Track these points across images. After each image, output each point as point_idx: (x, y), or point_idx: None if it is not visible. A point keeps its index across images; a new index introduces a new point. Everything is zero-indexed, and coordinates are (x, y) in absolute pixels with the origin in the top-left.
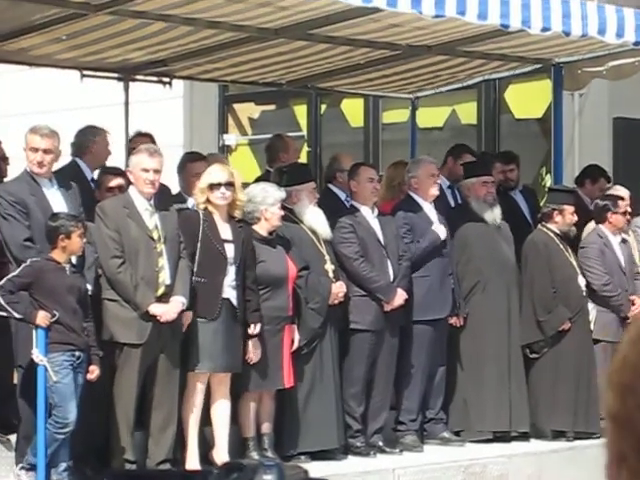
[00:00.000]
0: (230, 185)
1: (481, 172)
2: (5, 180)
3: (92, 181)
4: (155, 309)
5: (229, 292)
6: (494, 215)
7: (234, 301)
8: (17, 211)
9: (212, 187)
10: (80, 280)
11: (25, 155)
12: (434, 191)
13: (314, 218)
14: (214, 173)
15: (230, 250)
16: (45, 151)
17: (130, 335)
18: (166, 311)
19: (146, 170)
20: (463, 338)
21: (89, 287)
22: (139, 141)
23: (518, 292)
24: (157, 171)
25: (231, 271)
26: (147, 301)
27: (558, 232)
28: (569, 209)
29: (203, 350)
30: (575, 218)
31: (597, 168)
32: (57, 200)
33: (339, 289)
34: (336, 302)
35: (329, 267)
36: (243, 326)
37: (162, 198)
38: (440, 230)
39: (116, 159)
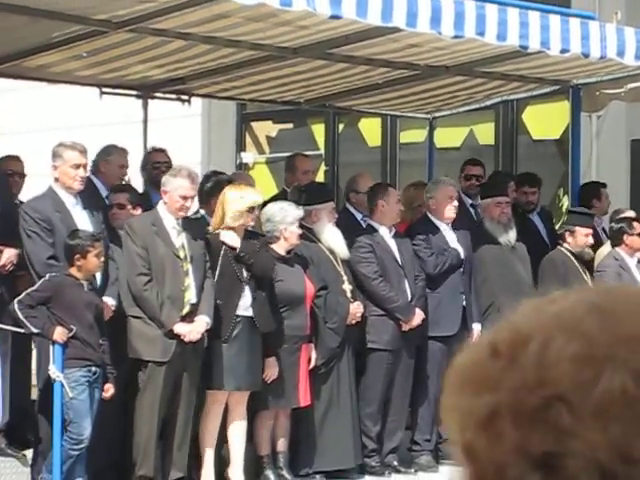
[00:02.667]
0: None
1: (495, 193)
2: (19, 196)
3: (107, 198)
4: (180, 329)
5: (249, 311)
6: (508, 236)
7: (254, 319)
8: (42, 229)
9: (249, 210)
10: (97, 297)
11: (60, 171)
12: (451, 213)
13: (332, 238)
14: (253, 196)
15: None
16: (84, 167)
17: (154, 353)
18: (190, 330)
19: (185, 197)
20: None
21: (113, 303)
22: (156, 157)
23: None
24: (193, 198)
25: (247, 291)
26: (172, 320)
27: (574, 252)
28: (581, 231)
29: (225, 369)
30: (590, 240)
31: (593, 184)
32: (81, 217)
33: (357, 309)
34: (353, 322)
35: (347, 287)
36: (262, 344)
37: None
38: (459, 249)
39: (134, 176)
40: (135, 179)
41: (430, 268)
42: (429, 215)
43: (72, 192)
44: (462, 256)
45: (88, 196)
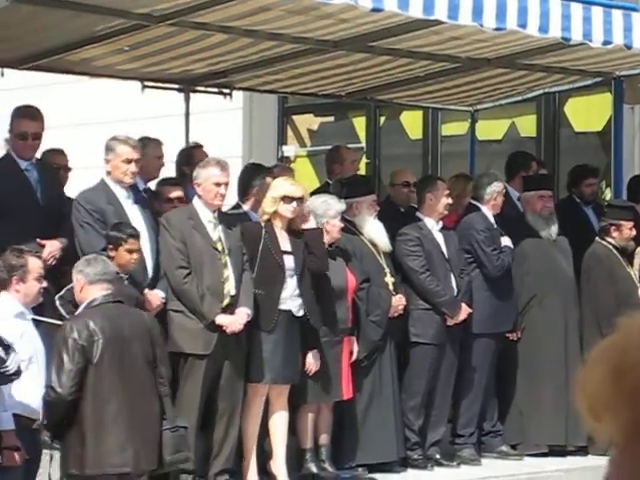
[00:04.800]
0: (301, 200)
1: (539, 186)
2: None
3: (145, 191)
4: (221, 320)
5: (289, 303)
6: (550, 230)
7: (294, 312)
8: (95, 220)
9: (284, 199)
10: (136, 291)
11: (112, 165)
12: (498, 209)
13: (374, 230)
14: (289, 186)
15: (289, 261)
16: (136, 161)
17: (196, 346)
18: (232, 322)
19: (218, 184)
20: (520, 351)
21: (163, 295)
22: (197, 153)
23: (577, 305)
24: (227, 184)
25: (291, 282)
26: (213, 312)
27: (617, 246)
28: (627, 224)
29: (264, 362)
30: (633, 233)
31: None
32: (132, 211)
33: (399, 302)
34: (396, 315)
35: (389, 280)
36: (302, 337)
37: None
38: (508, 242)
39: (171, 169)
40: (170, 172)
41: (498, 267)
42: (479, 206)
43: (123, 185)
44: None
45: (136, 190)
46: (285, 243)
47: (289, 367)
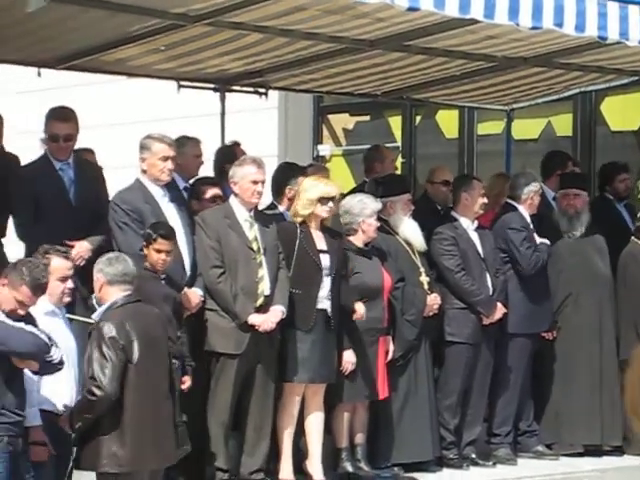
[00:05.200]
0: (335, 199)
1: (568, 185)
2: None
3: (184, 190)
4: (254, 319)
5: (325, 303)
6: (572, 228)
7: (329, 312)
8: (132, 220)
9: (321, 200)
10: (173, 290)
11: (148, 163)
12: (534, 209)
13: (409, 230)
14: (324, 187)
15: (325, 260)
16: (172, 159)
17: (228, 345)
18: (265, 320)
19: (255, 182)
20: (554, 350)
21: (201, 294)
22: (237, 151)
23: (612, 305)
24: (263, 182)
25: (327, 282)
26: (246, 311)
27: None
28: None
29: (300, 361)
30: None
31: None
32: (169, 209)
33: (434, 301)
34: (431, 314)
35: (424, 279)
36: (338, 336)
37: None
38: (544, 240)
39: (211, 168)
40: (208, 171)
41: (531, 264)
42: (516, 206)
43: (160, 184)
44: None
45: (172, 188)
46: (320, 242)
47: (325, 366)
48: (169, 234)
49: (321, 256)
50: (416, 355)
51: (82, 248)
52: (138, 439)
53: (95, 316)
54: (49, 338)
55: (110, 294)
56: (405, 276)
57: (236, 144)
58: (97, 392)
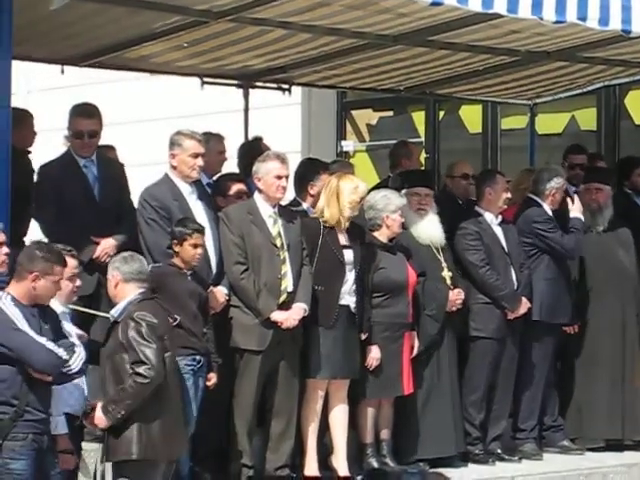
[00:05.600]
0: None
1: (588, 179)
2: None
3: (207, 186)
4: (277, 316)
5: (348, 299)
6: (595, 223)
7: (352, 307)
8: (161, 217)
9: (351, 202)
10: (200, 286)
11: (179, 159)
12: (557, 205)
13: (430, 224)
14: (365, 185)
15: (349, 256)
16: (202, 156)
17: (251, 342)
18: (287, 317)
19: (279, 177)
20: (577, 345)
21: (226, 292)
22: (263, 146)
23: (636, 299)
24: (287, 177)
25: (350, 277)
26: (269, 308)
27: None
28: None
29: (323, 357)
30: None
31: None
32: (197, 206)
33: (457, 296)
34: (454, 309)
35: (446, 274)
36: (361, 332)
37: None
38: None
39: (234, 165)
40: (231, 167)
41: (571, 244)
42: (539, 201)
43: (189, 181)
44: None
45: (199, 185)
46: (343, 237)
47: (348, 362)
48: (202, 228)
49: (344, 251)
50: (439, 350)
51: (107, 245)
52: (167, 427)
53: (114, 312)
54: (71, 345)
55: (127, 291)
56: (427, 271)
57: (259, 139)
58: (149, 373)
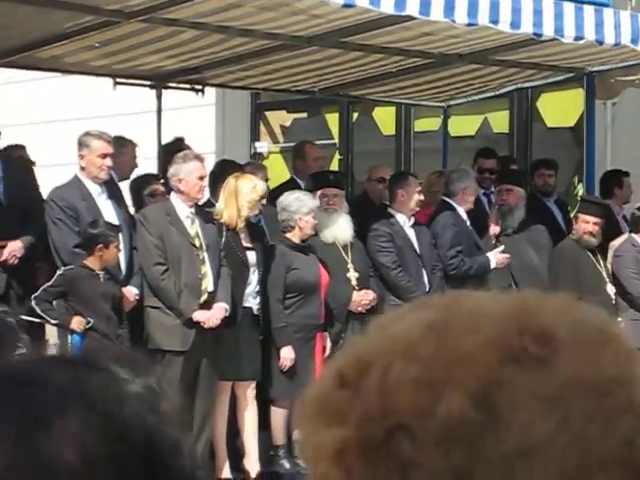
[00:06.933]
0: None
1: (500, 181)
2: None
3: (132, 187)
4: (199, 316)
5: (251, 301)
6: (506, 224)
7: (255, 309)
8: (67, 216)
9: (261, 198)
10: (114, 287)
11: (87, 160)
12: (470, 205)
13: (335, 223)
14: (263, 185)
15: (252, 257)
16: (111, 156)
17: (174, 342)
18: (210, 317)
19: (202, 177)
20: None
21: (136, 292)
22: (184, 147)
23: None
24: (205, 177)
25: (253, 279)
26: (191, 308)
27: (576, 239)
28: (583, 218)
29: (226, 359)
30: (590, 228)
31: (615, 172)
32: (107, 207)
33: (362, 297)
34: (359, 309)
35: (352, 275)
36: (268, 334)
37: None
38: (493, 261)
39: (148, 166)
40: (150, 170)
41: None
42: (447, 200)
43: (98, 181)
44: (493, 266)
45: (110, 186)
46: (245, 239)
47: (250, 364)
48: (118, 229)
49: (247, 253)
50: None
51: (14, 247)
52: None
53: None
54: None
55: None
56: (332, 271)
57: (181, 140)
58: None
